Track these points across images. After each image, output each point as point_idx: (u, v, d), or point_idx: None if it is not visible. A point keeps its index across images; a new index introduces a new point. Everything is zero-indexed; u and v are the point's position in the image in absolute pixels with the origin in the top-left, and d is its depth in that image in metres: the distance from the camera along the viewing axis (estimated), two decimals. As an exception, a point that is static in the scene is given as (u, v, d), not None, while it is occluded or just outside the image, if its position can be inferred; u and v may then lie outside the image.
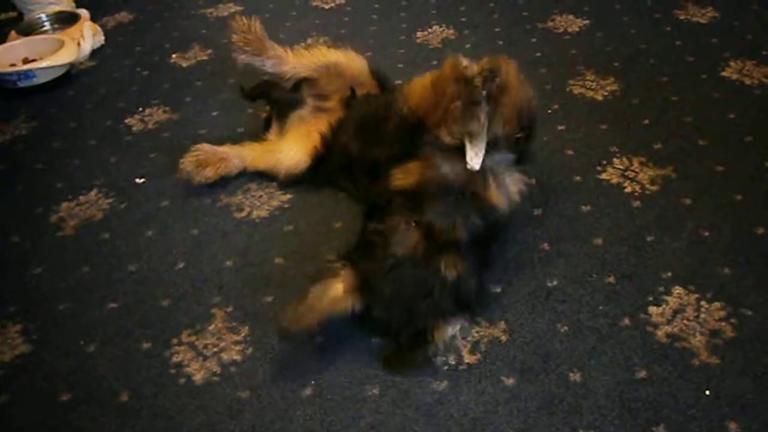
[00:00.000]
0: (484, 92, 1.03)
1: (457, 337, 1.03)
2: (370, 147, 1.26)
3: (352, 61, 1.48)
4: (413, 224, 1.00)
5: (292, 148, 1.39)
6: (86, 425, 1.00)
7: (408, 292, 0.99)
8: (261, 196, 1.40)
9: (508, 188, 1.12)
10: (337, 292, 1.01)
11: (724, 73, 1.65)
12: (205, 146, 1.42)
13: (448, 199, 1.03)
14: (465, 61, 1.04)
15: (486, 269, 1.12)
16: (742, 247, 1.18)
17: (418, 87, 1.10)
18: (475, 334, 1.06)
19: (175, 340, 1.11)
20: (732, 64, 1.68)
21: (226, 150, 1.43)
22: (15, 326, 1.17)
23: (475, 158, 1.04)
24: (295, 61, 1.48)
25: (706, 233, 1.21)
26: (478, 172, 1.03)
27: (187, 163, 1.39)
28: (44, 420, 1.02)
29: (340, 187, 1.38)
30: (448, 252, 0.98)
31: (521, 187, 1.15)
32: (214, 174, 1.40)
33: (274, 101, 1.50)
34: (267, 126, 1.49)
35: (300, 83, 1.48)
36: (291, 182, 1.41)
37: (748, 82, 1.61)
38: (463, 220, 1.01)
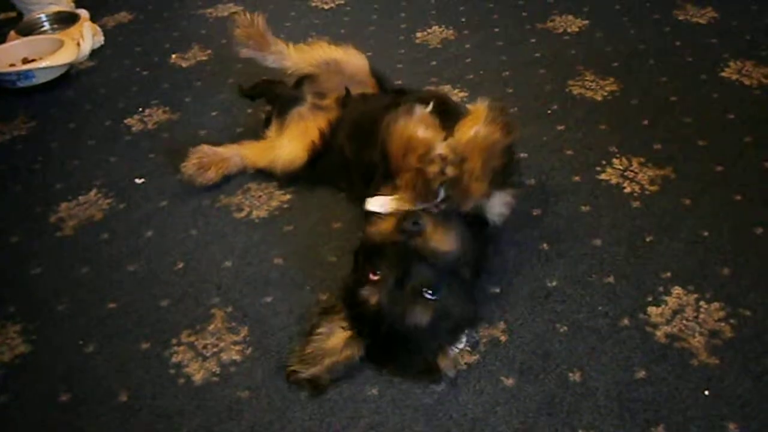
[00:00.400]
0: (441, 195, 1.01)
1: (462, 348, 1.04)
2: (364, 149, 1.25)
3: (353, 59, 1.48)
4: (372, 279, 0.98)
5: (289, 145, 1.39)
6: (85, 425, 1.00)
7: (393, 338, 0.99)
8: (260, 197, 1.40)
9: (486, 207, 1.10)
10: (339, 340, 1.01)
11: (723, 74, 1.65)
12: (205, 148, 1.42)
13: (397, 250, 0.98)
14: (436, 156, 1.00)
15: (483, 273, 1.11)
16: (741, 247, 1.18)
17: (396, 138, 1.06)
18: (475, 335, 1.06)
19: (174, 341, 1.11)
20: (731, 64, 1.68)
21: (225, 150, 1.44)
22: (14, 326, 1.17)
23: (371, 204, 1.03)
24: (297, 56, 1.48)
25: (706, 233, 1.21)
26: (416, 223, 0.98)
27: (189, 166, 1.39)
28: (43, 420, 1.02)
29: (339, 187, 1.38)
30: (413, 299, 0.96)
31: (508, 200, 1.13)
32: (216, 175, 1.41)
33: (274, 98, 1.50)
34: (267, 124, 1.49)
35: (301, 80, 1.48)
36: (289, 179, 1.41)
37: (747, 82, 1.61)
38: (417, 269, 0.97)
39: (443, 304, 0.97)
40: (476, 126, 1.05)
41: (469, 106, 1.15)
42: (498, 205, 1.11)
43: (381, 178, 1.11)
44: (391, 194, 1.05)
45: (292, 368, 1.01)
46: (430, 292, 0.96)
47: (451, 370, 0.99)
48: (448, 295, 0.98)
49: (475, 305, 1.06)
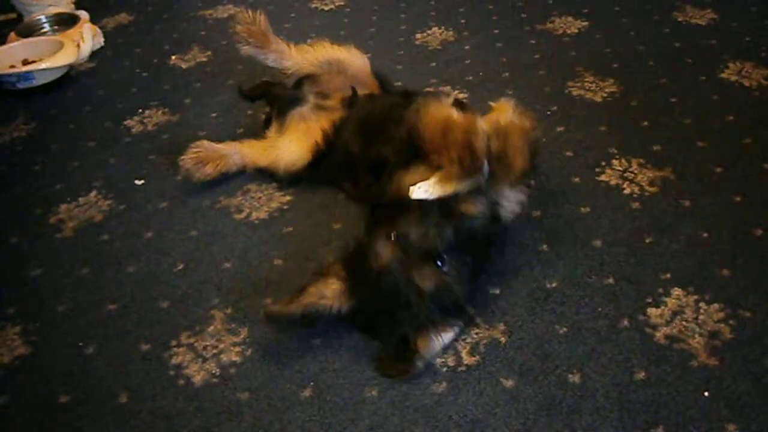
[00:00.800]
0: (486, 169, 1.03)
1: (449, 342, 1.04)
2: (373, 146, 1.25)
3: (354, 59, 1.48)
4: (392, 236, 1.00)
5: (291, 145, 1.39)
6: (85, 426, 1.00)
7: (386, 302, 1.00)
8: (260, 198, 1.40)
9: (502, 202, 1.11)
10: (328, 289, 1.02)
11: (722, 75, 1.65)
12: (205, 143, 1.42)
13: (421, 210, 1.02)
14: (481, 130, 1.03)
15: (483, 273, 1.12)
16: (740, 248, 1.18)
17: (432, 119, 1.07)
18: (475, 336, 1.06)
19: (174, 342, 1.11)
20: (731, 65, 1.68)
21: (225, 147, 1.44)
22: (14, 327, 1.17)
23: (423, 193, 1.03)
24: (298, 56, 1.48)
25: (705, 234, 1.21)
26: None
27: (186, 160, 1.39)
28: (43, 421, 1.01)
29: (340, 187, 1.38)
30: (423, 263, 0.97)
31: (521, 198, 1.14)
32: (214, 171, 1.40)
33: (274, 98, 1.50)
34: (267, 124, 1.50)
35: (302, 80, 1.48)
36: (291, 179, 1.41)
37: (747, 83, 1.61)
38: (437, 230, 1.00)
39: (449, 278, 0.98)
40: (509, 113, 1.08)
41: (492, 103, 1.17)
42: (513, 203, 1.12)
43: (396, 167, 1.11)
44: (426, 174, 1.05)
45: (269, 306, 1.02)
46: (439, 262, 0.97)
47: (427, 355, 1.00)
48: (453, 272, 0.99)
49: (469, 296, 1.06)
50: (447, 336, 1.04)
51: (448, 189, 1.01)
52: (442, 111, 1.07)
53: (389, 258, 0.98)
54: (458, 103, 1.18)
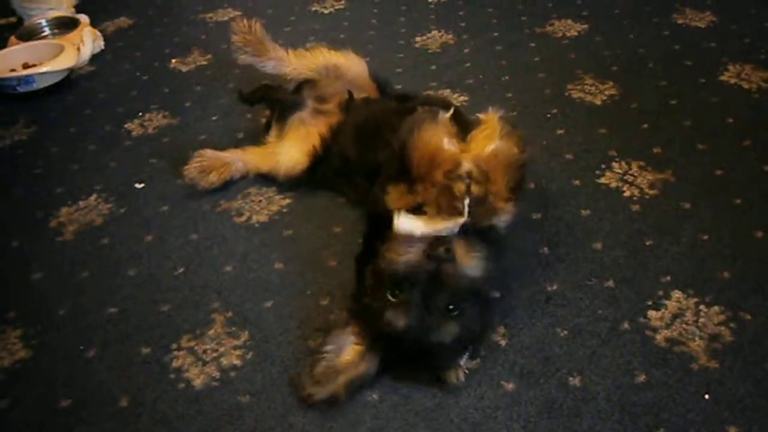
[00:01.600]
0: (467, 203, 0.99)
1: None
2: (369, 151, 1.26)
3: (353, 64, 1.48)
4: (397, 299, 0.96)
5: (291, 149, 1.40)
6: (86, 431, 1.00)
7: (411, 358, 0.98)
8: (260, 201, 1.40)
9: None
10: (351, 356, 0.99)
11: (722, 77, 1.66)
12: (208, 152, 1.42)
13: (423, 275, 0.96)
14: (464, 173, 0.99)
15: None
16: (741, 250, 1.18)
17: (423, 145, 1.05)
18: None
19: (174, 345, 1.11)
20: (730, 68, 1.68)
21: (228, 155, 1.44)
22: (14, 331, 1.17)
23: (402, 226, 0.98)
24: (296, 62, 1.49)
25: (705, 237, 1.21)
26: (443, 245, 0.95)
27: (191, 169, 1.39)
28: (43, 425, 1.01)
29: (339, 191, 1.38)
30: (437, 316, 0.94)
31: (507, 218, 1.11)
32: (218, 179, 1.41)
33: (274, 103, 1.50)
34: (267, 128, 1.50)
35: (301, 85, 1.49)
36: (291, 183, 1.41)
37: (746, 86, 1.61)
38: (442, 291, 0.95)
39: (466, 321, 0.96)
40: (494, 140, 1.06)
41: (480, 115, 1.16)
42: (505, 213, 1.11)
43: (388, 178, 1.10)
44: (405, 196, 1.04)
45: (307, 392, 0.97)
46: (455, 310, 0.95)
47: (456, 382, 0.99)
48: (471, 312, 0.97)
49: (492, 321, 1.06)
50: (465, 355, 1.02)
51: (433, 228, 0.97)
52: (433, 139, 1.05)
53: (404, 325, 0.95)
54: (456, 116, 1.17)
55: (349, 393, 0.98)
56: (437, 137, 1.05)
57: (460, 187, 0.98)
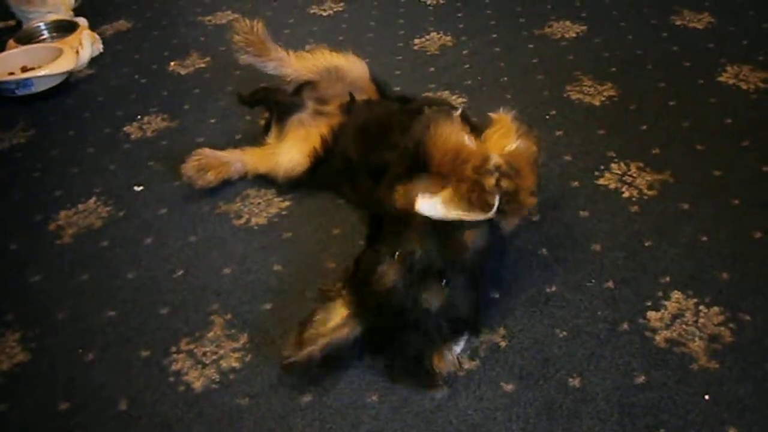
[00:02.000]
0: (497, 200, 1.00)
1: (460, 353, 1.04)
2: (372, 151, 1.26)
3: (353, 66, 1.49)
4: (395, 255, 0.98)
5: (290, 150, 1.40)
6: (85, 434, 1.00)
7: (394, 323, 0.99)
8: (259, 203, 1.40)
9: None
10: (339, 317, 1.00)
11: (720, 78, 1.66)
12: (206, 151, 1.42)
13: (423, 230, 1.00)
14: (493, 168, 0.99)
15: (488, 280, 1.11)
16: (740, 251, 1.18)
17: (444, 143, 1.04)
18: (474, 340, 1.06)
19: (173, 348, 1.11)
20: (728, 69, 1.69)
21: (226, 154, 1.44)
22: (13, 334, 1.17)
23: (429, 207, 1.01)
24: (297, 63, 1.49)
25: (704, 238, 1.21)
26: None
27: (188, 167, 1.39)
28: (43, 429, 1.01)
29: (339, 193, 1.38)
30: (428, 282, 0.96)
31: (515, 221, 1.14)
32: (216, 178, 1.41)
33: (273, 104, 1.50)
34: (266, 130, 1.50)
35: (301, 87, 1.49)
36: (291, 185, 1.41)
37: (744, 86, 1.62)
38: (440, 251, 0.98)
39: (453, 295, 0.98)
40: (514, 138, 1.06)
41: (492, 114, 1.15)
42: (531, 208, 1.13)
43: (397, 177, 1.10)
44: (432, 189, 1.04)
45: (286, 356, 0.98)
46: (445, 280, 0.96)
47: (445, 370, 0.99)
48: (460, 288, 0.99)
49: (478, 307, 1.06)
50: (457, 348, 1.03)
51: (453, 213, 0.99)
52: (455, 136, 1.05)
53: (394, 279, 0.96)
54: (464, 118, 1.17)
55: (327, 358, 0.98)
56: (457, 135, 1.05)
57: (490, 181, 0.98)
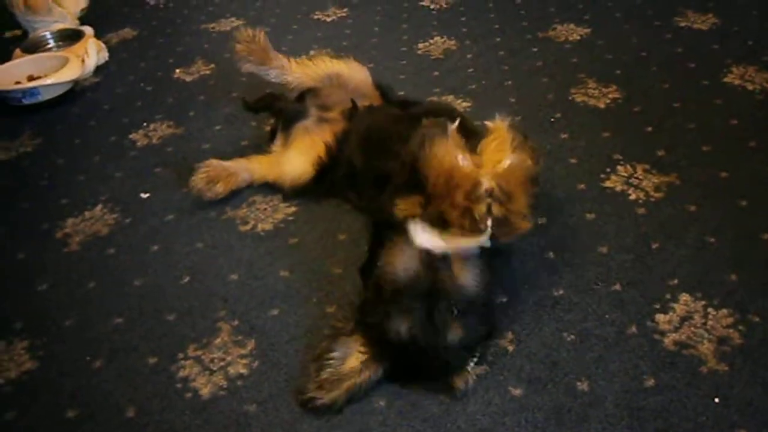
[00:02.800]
0: (489, 224, 0.99)
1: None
2: (375, 159, 1.26)
3: (355, 72, 1.49)
4: (402, 308, 0.97)
5: (296, 159, 1.40)
6: (93, 441, 1.00)
7: (418, 364, 0.99)
8: (265, 209, 1.40)
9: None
10: (356, 360, 1.00)
11: (726, 79, 1.65)
12: (214, 162, 1.43)
13: (423, 284, 0.97)
14: (484, 192, 0.99)
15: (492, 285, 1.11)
16: (748, 252, 1.17)
17: (437, 163, 1.03)
18: (482, 345, 1.06)
19: (181, 355, 1.11)
20: (734, 69, 1.68)
21: (234, 165, 1.44)
22: (21, 342, 1.17)
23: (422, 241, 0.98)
24: (299, 71, 1.50)
25: (712, 239, 1.20)
26: (437, 258, 0.97)
27: (197, 180, 1.40)
28: (51, 436, 1.02)
29: (345, 199, 1.38)
30: (443, 320, 0.95)
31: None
32: (225, 189, 1.41)
33: (278, 112, 1.51)
34: (272, 137, 1.50)
35: (304, 94, 1.49)
36: (297, 193, 1.41)
37: (750, 87, 1.61)
38: (443, 299, 0.96)
39: (469, 322, 0.97)
40: (508, 153, 1.04)
41: (488, 123, 1.14)
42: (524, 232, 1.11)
43: (397, 190, 1.10)
44: (418, 208, 1.04)
45: (310, 395, 0.98)
46: (455, 310, 0.96)
47: (463, 387, 0.99)
48: (474, 314, 0.98)
49: (494, 323, 1.06)
50: (472, 362, 1.02)
51: (453, 243, 0.97)
52: (447, 156, 1.03)
53: (407, 331, 0.96)
54: (462, 126, 1.15)
55: (350, 400, 0.98)
56: (451, 154, 1.04)
57: (481, 209, 0.98)
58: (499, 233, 1.00)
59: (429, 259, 0.95)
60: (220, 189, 1.40)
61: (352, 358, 1.00)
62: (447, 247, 0.96)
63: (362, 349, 1.00)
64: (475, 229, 0.98)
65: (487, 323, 1.03)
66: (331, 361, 1.00)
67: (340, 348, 1.01)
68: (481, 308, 1.01)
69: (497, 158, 1.06)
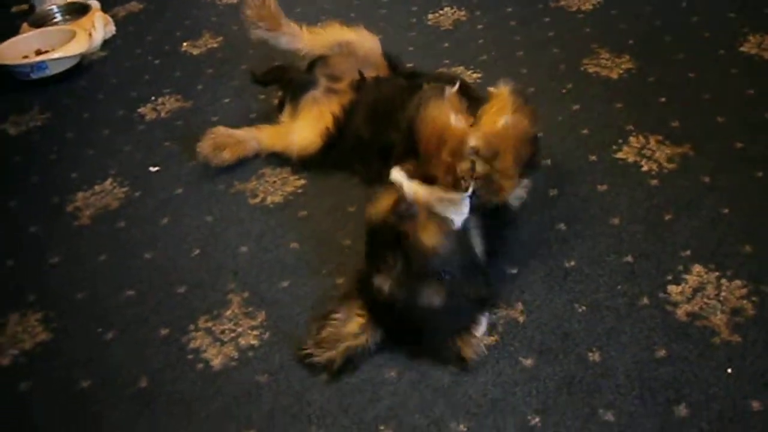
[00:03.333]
0: (471, 185, 0.99)
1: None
2: (382, 131, 1.25)
3: (365, 41, 1.48)
4: (383, 268, 0.99)
5: (304, 129, 1.39)
6: (105, 411, 1.01)
7: (408, 326, 0.99)
8: (275, 182, 1.40)
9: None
10: (355, 327, 1.01)
11: (742, 49, 1.62)
12: (221, 129, 1.43)
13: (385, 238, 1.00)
14: (469, 150, 0.99)
15: (500, 257, 1.11)
16: (762, 224, 1.15)
17: (430, 122, 1.04)
18: (493, 315, 1.05)
19: (192, 326, 1.11)
20: (750, 38, 1.64)
21: (241, 133, 1.44)
22: (35, 314, 1.18)
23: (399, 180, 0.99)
24: (309, 38, 1.48)
25: (726, 210, 1.19)
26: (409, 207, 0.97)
27: (204, 146, 1.40)
28: (64, 406, 1.03)
29: (353, 171, 1.37)
30: (425, 282, 0.96)
31: (525, 182, 1.12)
32: (231, 157, 1.41)
33: (287, 83, 1.49)
34: (280, 108, 1.49)
35: (313, 63, 1.48)
36: (305, 164, 1.41)
37: (767, 56, 1.58)
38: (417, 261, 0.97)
39: (454, 284, 0.97)
40: (505, 115, 1.04)
41: (491, 89, 1.13)
42: (517, 189, 1.10)
43: (398, 156, 1.09)
44: (415, 172, 1.03)
45: (307, 351, 1.01)
46: (443, 274, 0.96)
47: (474, 356, 0.99)
48: (460, 276, 0.98)
49: (490, 286, 1.05)
50: (481, 328, 1.02)
51: (424, 198, 0.97)
52: (440, 114, 1.04)
53: (390, 291, 0.97)
54: (463, 91, 1.15)
55: (348, 363, 1.00)
56: (444, 114, 1.04)
57: (463, 165, 0.98)
58: (483, 192, 1.00)
59: (399, 206, 0.96)
60: (226, 156, 1.40)
61: (352, 322, 1.01)
62: (421, 197, 0.96)
63: (361, 312, 1.02)
64: (458, 186, 0.98)
65: (478, 291, 1.02)
66: (333, 322, 1.02)
67: (343, 310, 1.03)
68: (467, 274, 1.00)
69: (495, 120, 1.05)
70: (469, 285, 1.00)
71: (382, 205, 1.01)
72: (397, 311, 0.97)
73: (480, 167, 0.98)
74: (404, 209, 0.95)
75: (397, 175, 0.98)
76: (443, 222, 0.97)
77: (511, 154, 1.02)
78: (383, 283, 0.98)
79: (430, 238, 0.96)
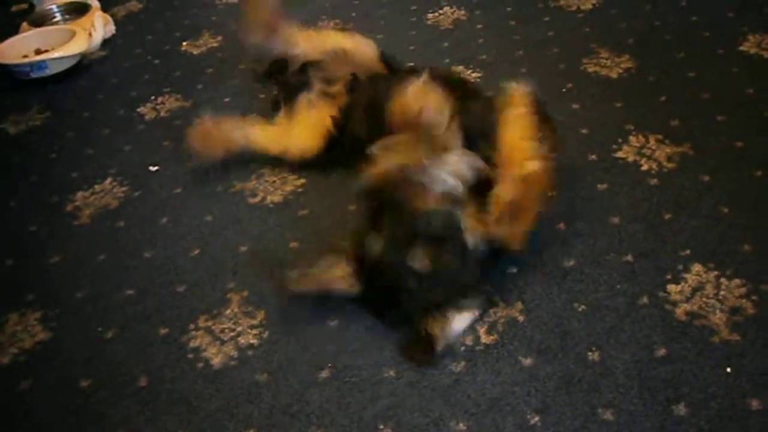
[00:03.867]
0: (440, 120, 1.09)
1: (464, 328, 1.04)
2: (378, 129, 1.25)
3: (362, 49, 1.48)
4: (379, 230, 1.03)
5: (303, 133, 1.39)
6: (105, 410, 1.01)
7: (388, 288, 1.02)
8: (274, 181, 1.40)
9: None
10: (339, 272, 1.04)
11: (741, 48, 1.62)
12: (207, 118, 1.42)
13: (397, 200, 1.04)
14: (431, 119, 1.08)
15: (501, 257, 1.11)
16: (762, 223, 1.15)
17: (396, 106, 1.14)
18: (492, 315, 1.06)
19: (191, 326, 1.12)
20: (750, 38, 1.64)
21: (230, 125, 1.43)
22: (34, 314, 1.18)
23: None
24: (305, 44, 1.48)
25: (725, 210, 1.19)
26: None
27: (192, 136, 1.40)
28: (64, 405, 1.03)
29: (354, 170, 1.37)
30: (419, 243, 0.98)
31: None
32: (219, 148, 1.40)
33: (282, 84, 1.50)
34: (275, 107, 1.49)
35: (305, 66, 1.47)
36: (304, 166, 1.40)
37: (766, 56, 1.58)
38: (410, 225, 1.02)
39: (441, 259, 0.99)
40: (532, 156, 1.05)
41: (505, 86, 1.13)
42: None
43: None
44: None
45: (285, 281, 1.05)
46: (431, 243, 0.99)
47: (443, 339, 1.00)
48: (448, 252, 1.00)
49: (475, 275, 1.05)
50: (464, 318, 1.03)
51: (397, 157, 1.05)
52: (403, 99, 1.13)
53: (380, 250, 1.00)
54: (458, 86, 1.20)
55: (318, 297, 1.05)
56: (406, 97, 1.13)
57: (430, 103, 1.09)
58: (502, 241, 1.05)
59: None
60: (214, 146, 1.39)
61: (337, 268, 1.04)
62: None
63: (347, 263, 1.04)
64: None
65: (464, 274, 1.03)
66: (319, 263, 1.05)
67: (331, 257, 1.06)
68: (456, 252, 1.02)
69: (520, 154, 1.05)
70: (456, 263, 1.02)
71: (380, 167, 1.06)
72: (383, 270, 1.00)
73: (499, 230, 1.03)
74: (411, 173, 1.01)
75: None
76: (435, 191, 1.02)
77: (532, 213, 1.06)
78: (375, 242, 1.00)
79: (423, 203, 1.00)
